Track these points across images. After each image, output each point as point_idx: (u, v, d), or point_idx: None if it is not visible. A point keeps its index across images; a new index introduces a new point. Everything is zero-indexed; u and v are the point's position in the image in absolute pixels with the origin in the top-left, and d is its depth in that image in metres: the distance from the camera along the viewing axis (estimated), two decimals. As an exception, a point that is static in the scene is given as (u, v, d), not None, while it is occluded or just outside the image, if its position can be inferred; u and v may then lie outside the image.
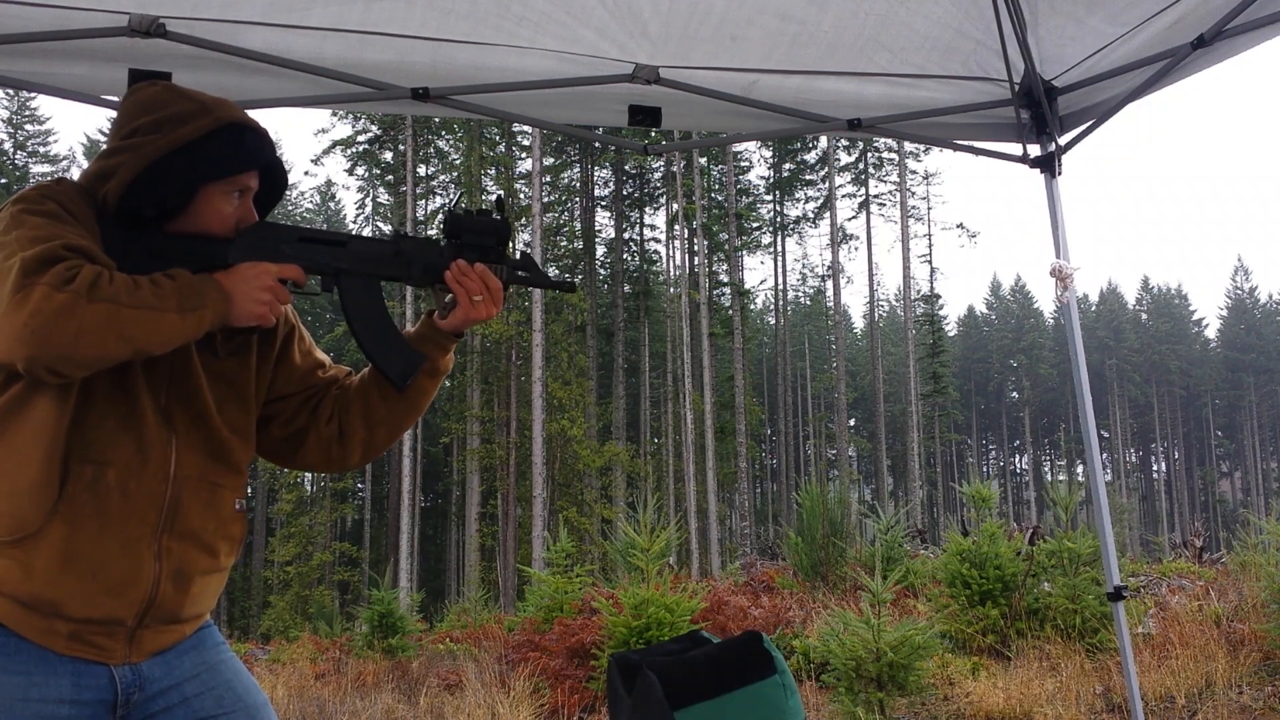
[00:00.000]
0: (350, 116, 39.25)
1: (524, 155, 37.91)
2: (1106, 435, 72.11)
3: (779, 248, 54.17)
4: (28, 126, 46.00)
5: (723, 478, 39.13)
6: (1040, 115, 3.55)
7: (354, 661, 10.96)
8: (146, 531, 1.69)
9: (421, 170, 41.80)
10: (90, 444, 1.66)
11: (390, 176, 43.17)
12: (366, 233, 45.30)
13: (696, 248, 39.64)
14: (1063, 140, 3.59)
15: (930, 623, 7.15)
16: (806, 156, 50.05)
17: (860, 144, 46.03)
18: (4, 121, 45.50)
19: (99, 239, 1.68)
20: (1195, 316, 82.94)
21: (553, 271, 40.13)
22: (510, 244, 1.95)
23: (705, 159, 41.59)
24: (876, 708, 6.17)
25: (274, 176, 1.91)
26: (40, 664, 1.63)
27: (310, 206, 61.64)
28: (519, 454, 35.24)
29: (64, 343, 1.53)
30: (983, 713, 6.45)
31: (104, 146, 1.81)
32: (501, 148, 38.15)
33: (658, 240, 47.36)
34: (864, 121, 3.60)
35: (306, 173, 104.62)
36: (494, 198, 2.11)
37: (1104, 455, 67.71)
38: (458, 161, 40.46)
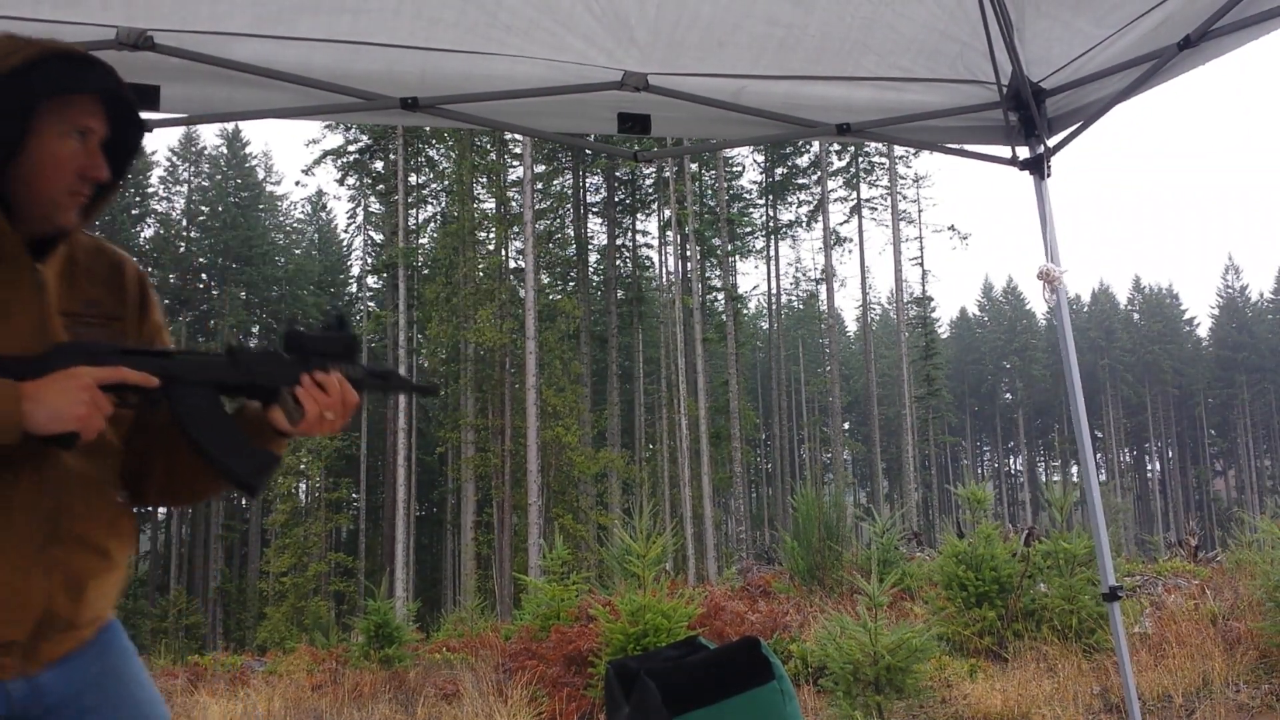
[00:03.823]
0: (341, 126, 39.27)
1: (515, 163, 37.94)
2: (1100, 435, 72.25)
3: (772, 252, 54.31)
4: (17, 140, 45.89)
5: (718, 483, 39.12)
6: (1028, 117, 3.55)
7: (350, 672, 10.92)
8: (30, 548, 1.57)
9: (413, 179, 41.82)
10: None
11: (381, 186, 43.18)
12: (358, 242, 44.65)
13: (689, 253, 39.68)
14: (1051, 142, 3.59)
15: (927, 625, 7.15)
16: (799, 160, 50.21)
17: (851, 148, 46.13)
18: (-7, 135, 45.41)
19: None
20: (1187, 316, 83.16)
21: (546, 279, 40.08)
22: (358, 355, 1.78)
23: (697, 165, 41.66)
24: (874, 711, 6.16)
25: (122, 120, 1.70)
26: None
27: (301, 216, 61.59)
28: (514, 462, 35.20)
29: None
30: (981, 714, 6.45)
31: None
32: (492, 155, 38.16)
33: (650, 246, 47.50)
34: (853, 126, 3.60)
35: (298, 183, 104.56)
36: (334, 315, 1.88)
37: (1098, 455, 67.81)
38: (449, 170, 40.49)
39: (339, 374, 1.71)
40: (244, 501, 49.49)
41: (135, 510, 1.78)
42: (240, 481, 1.69)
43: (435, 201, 43.79)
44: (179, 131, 52.94)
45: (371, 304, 48.89)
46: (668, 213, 41.21)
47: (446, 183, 41.48)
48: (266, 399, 1.70)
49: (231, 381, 1.67)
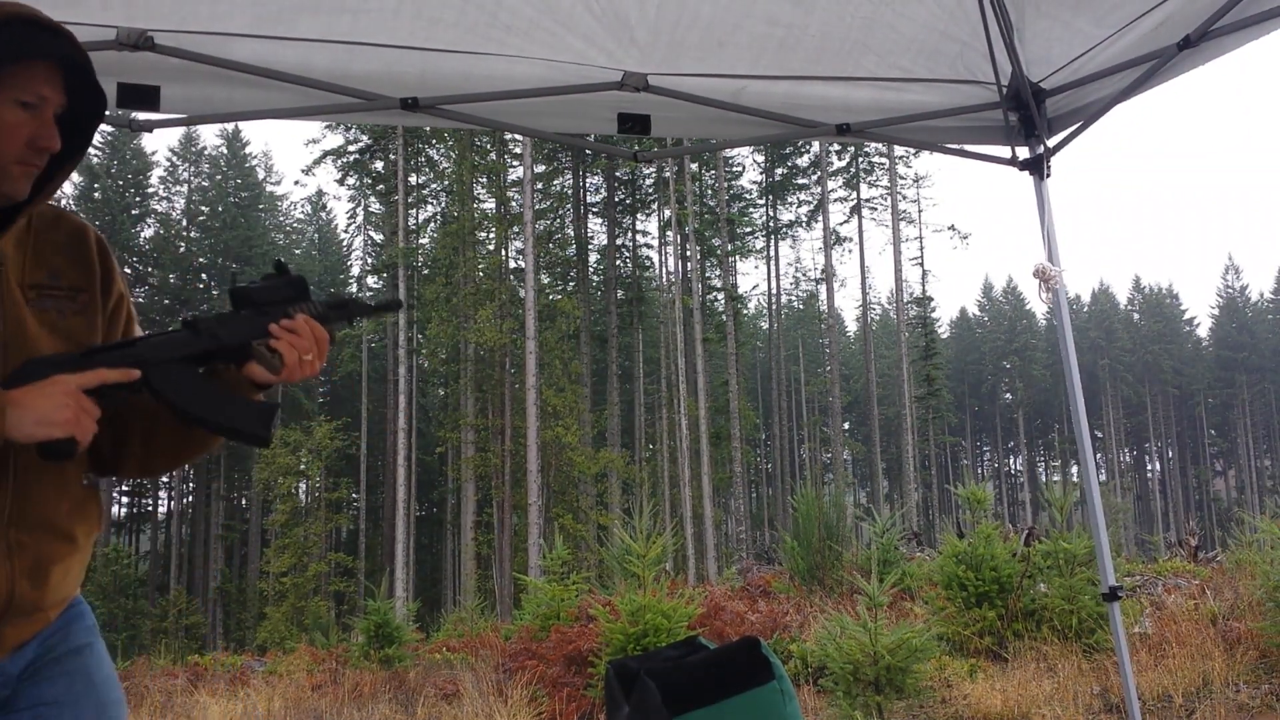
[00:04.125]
0: (341, 126, 39.28)
1: (515, 163, 37.95)
2: (1100, 435, 72.26)
3: (772, 252, 54.32)
4: (17, 141, 45.82)
5: (718, 483, 39.13)
6: (1028, 118, 3.56)
7: (350, 672, 10.93)
8: None
9: (413, 179, 41.81)
10: None
11: (381, 186, 43.19)
12: (358, 242, 44.54)
13: (689, 253, 39.69)
14: (1051, 142, 3.59)
15: (927, 625, 7.15)
16: (799, 160, 50.22)
17: (851, 148, 46.14)
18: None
19: None
20: (1187, 316, 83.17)
21: (546, 279, 40.08)
22: (310, 293, 1.76)
23: (697, 165, 41.66)
24: (874, 711, 6.16)
25: (82, 90, 1.66)
26: None
27: (301, 216, 61.59)
28: (514, 462, 35.21)
29: None
30: (980, 714, 6.45)
31: None
32: (493, 155, 38.16)
33: (650, 246, 47.51)
34: (852, 126, 3.60)
35: (297, 183, 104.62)
36: (273, 263, 1.87)
37: (1098, 455, 67.84)
38: (449, 170, 40.49)
39: (304, 315, 1.70)
40: (244, 501, 49.53)
41: (103, 492, 1.77)
42: (250, 435, 1.68)
43: (435, 201, 43.83)
44: (179, 131, 52.94)
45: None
46: (668, 213, 41.21)
47: (446, 183, 41.48)
48: (238, 358, 1.69)
49: (200, 350, 1.66)
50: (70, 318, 1.67)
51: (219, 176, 53.55)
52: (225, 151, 54.10)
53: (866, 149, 46.93)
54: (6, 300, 1.60)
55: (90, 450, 1.71)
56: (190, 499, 49.03)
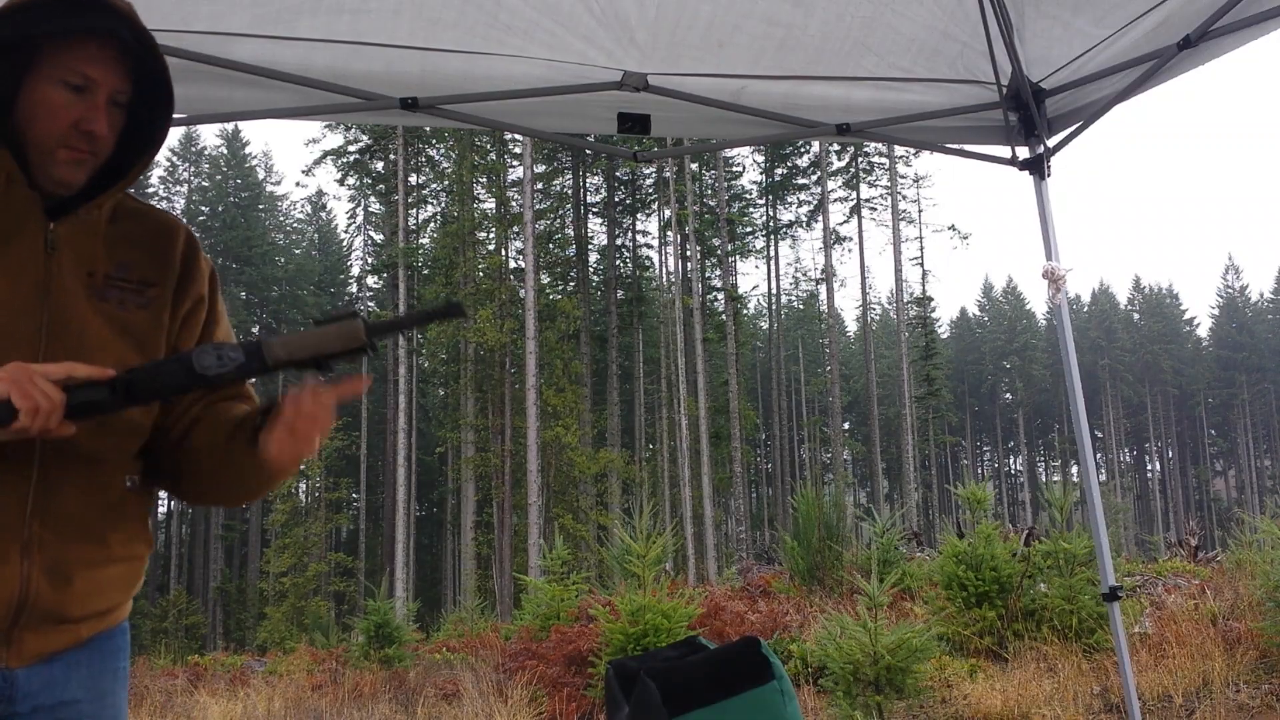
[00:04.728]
0: (341, 126, 39.29)
1: (515, 163, 37.97)
2: (1100, 435, 72.26)
3: (772, 252, 54.32)
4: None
5: (718, 483, 39.12)
6: (1028, 117, 3.56)
7: (351, 672, 10.94)
8: (9, 520, 1.44)
9: (413, 179, 41.81)
10: None
11: (381, 186, 43.20)
12: (358, 242, 44.49)
13: (689, 253, 39.68)
14: (1051, 142, 3.60)
15: (927, 625, 7.14)
16: (799, 160, 50.20)
17: (851, 148, 46.11)
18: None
19: None
20: (1187, 316, 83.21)
21: (546, 279, 40.06)
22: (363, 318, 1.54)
23: (697, 164, 41.65)
24: (874, 711, 6.16)
25: (141, 75, 1.57)
26: None
27: (301, 216, 61.59)
28: (514, 462, 35.21)
29: None
30: (980, 714, 6.45)
31: None
32: (493, 155, 38.17)
33: (650, 246, 47.48)
34: (852, 126, 3.60)
35: (298, 183, 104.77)
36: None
37: (1098, 455, 67.81)
38: (449, 170, 40.50)
39: (311, 387, 1.52)
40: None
41: (151, 502, 1.67)
42: (198, 366, 1.50)
43: (435, 201, 43.84)
44: (179, 131, 52.95)
45: (371, 304, 48.91)
46: (668, 213, 41.21)
47: (446, 183, 41.49)
48: (221, 383, 1.54)
49: (183, 362, 1.52)
50: (133, 311, 1.60)
51: (219, 176, 53.58)
52: (225, 151, 54.13)
53: (866, 149, 46.90)
54: (55, 287, 1.53)
55: (151, 461, 1.65)
56: (190, 499, 49.01)
